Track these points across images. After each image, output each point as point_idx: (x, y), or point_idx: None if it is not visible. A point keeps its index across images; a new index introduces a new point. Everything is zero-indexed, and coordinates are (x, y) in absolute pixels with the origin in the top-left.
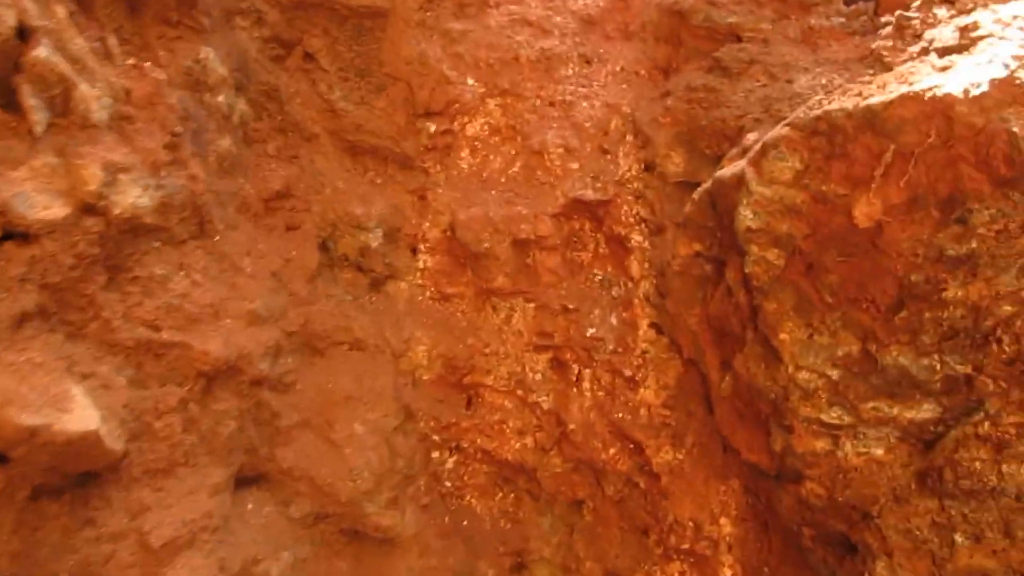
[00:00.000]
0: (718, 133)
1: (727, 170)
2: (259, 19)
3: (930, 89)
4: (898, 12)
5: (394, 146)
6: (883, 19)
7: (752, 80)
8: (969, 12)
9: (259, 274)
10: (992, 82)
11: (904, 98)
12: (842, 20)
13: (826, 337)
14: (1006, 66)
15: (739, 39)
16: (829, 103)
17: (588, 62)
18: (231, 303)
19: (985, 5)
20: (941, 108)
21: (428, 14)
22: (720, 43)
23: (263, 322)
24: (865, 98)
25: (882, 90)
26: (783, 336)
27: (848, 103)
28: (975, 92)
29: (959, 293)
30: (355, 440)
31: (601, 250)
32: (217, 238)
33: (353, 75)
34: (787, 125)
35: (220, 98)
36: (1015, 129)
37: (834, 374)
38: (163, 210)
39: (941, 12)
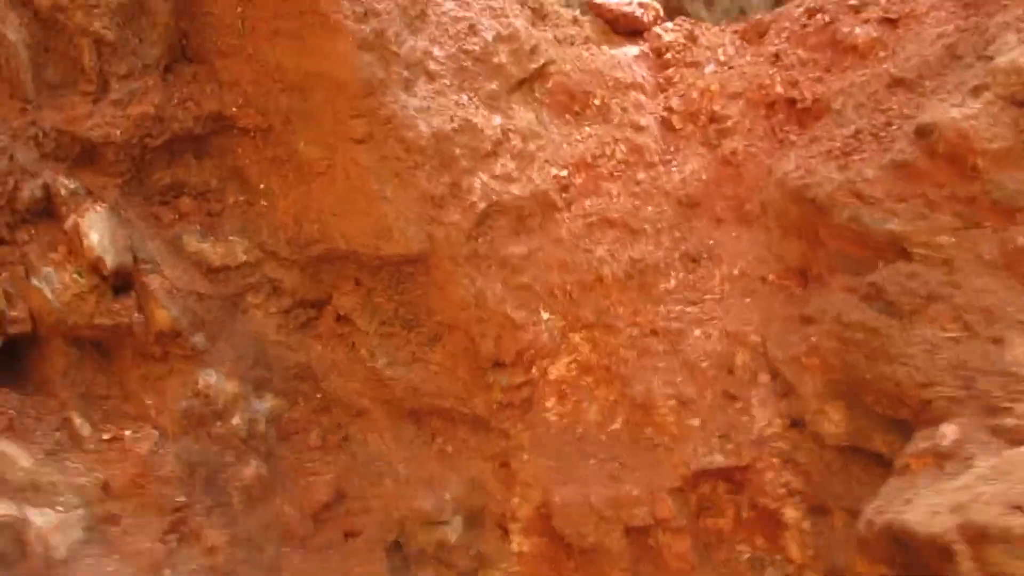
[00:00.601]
0: (891, 395)
1: (923, 521)
2: (275, 289)
3: None
4: None
5: (462, 406)
6: None
7: (935, 327)
8: None
9: None
10: None
11: None
12: None
13: None
14: None
15: (907, 255)
16: None
17: (695, 262)
18: None
19: None
20: None
21: (479, 241)
22: (876, 251)
23: None
24: None
25: None
26: None
27: None
28: None
29: None
30: None
31: (744, 514)
32: None
33: (399, 328)
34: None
35: (235, 420)
36: None
37: None
38: None
39: None
